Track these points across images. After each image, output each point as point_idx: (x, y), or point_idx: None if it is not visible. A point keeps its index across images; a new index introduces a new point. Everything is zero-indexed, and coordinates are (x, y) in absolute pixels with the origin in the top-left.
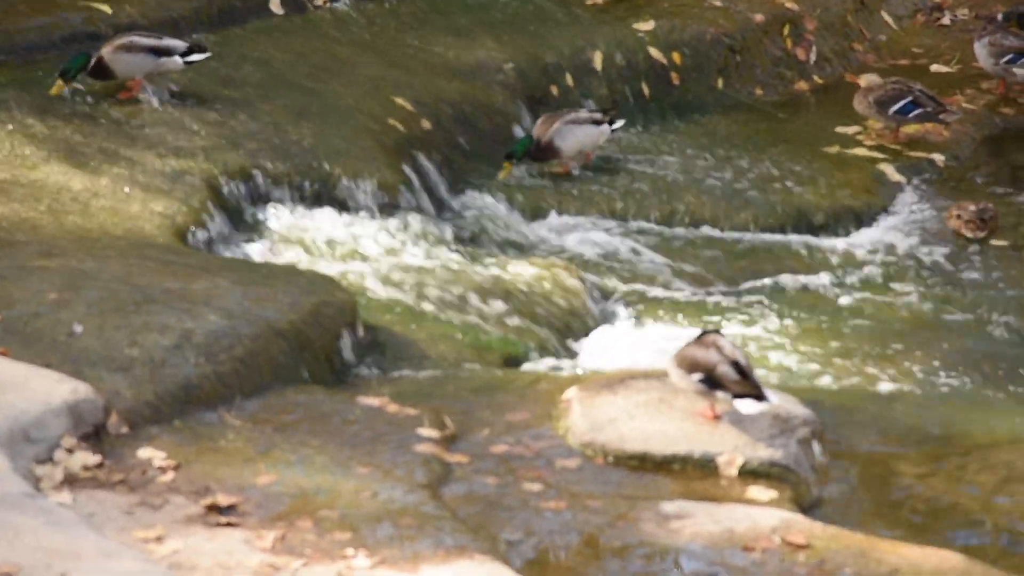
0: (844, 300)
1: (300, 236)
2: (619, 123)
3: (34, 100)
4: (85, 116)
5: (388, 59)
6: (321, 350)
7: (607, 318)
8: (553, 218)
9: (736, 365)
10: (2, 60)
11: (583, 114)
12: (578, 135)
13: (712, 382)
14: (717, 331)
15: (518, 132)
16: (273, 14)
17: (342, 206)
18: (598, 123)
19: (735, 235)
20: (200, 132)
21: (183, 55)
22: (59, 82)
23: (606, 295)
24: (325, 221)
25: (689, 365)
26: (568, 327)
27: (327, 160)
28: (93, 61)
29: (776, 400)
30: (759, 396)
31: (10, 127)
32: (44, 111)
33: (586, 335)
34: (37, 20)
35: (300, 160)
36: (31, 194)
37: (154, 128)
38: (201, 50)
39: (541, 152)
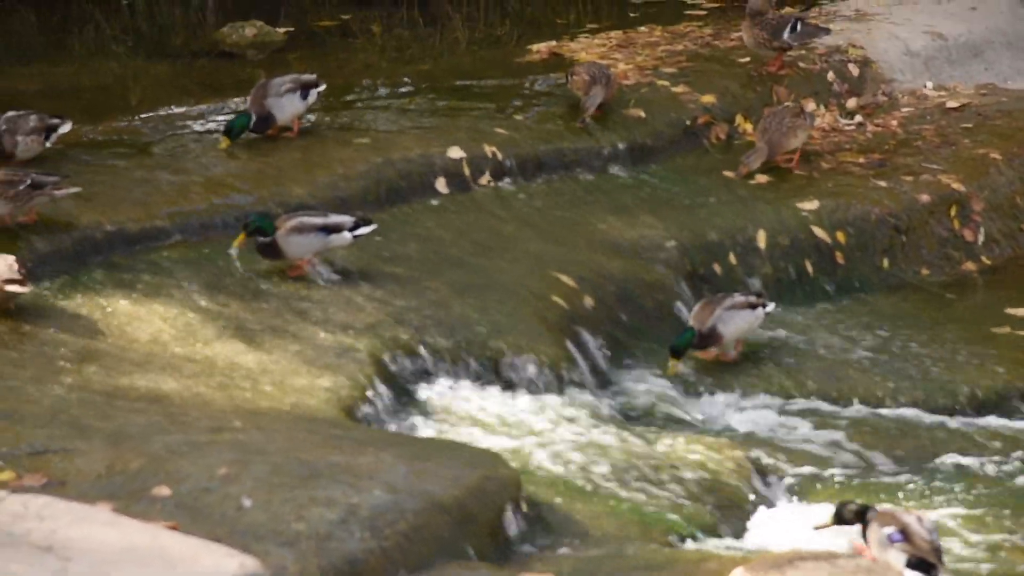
0: (1013, 484)
1: (464, 412)
2: (771, 307)
3: (205, 278)
4: (254, 292)
5: (550, 236)
6: (485, 525)
7: (772, 497)
8: (717, 396)
9: (932, 538)
10: (177, 240)
11: (739, 299)
12: (738, 321)
13: (904, 536)
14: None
15: (679, 309)
16: (438, 193)
17: (506, 382)
18: (754, 307)
19: (901, 415)
20: (366, 308)
21: (351, 230)
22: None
23: (771, 474)
24: (489, 396)
25: (887, 520)
26: (733, 506)
27: (490, 336)
28: (267, 241)
29: None
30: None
31: (184, 304)
32: (215, 288)
33: (751, 514)
34: (208, 201)
35: (464, 336)
36: (203, 370)
37: (321, 304)
38: (367, 223)
39: (703, 339)
